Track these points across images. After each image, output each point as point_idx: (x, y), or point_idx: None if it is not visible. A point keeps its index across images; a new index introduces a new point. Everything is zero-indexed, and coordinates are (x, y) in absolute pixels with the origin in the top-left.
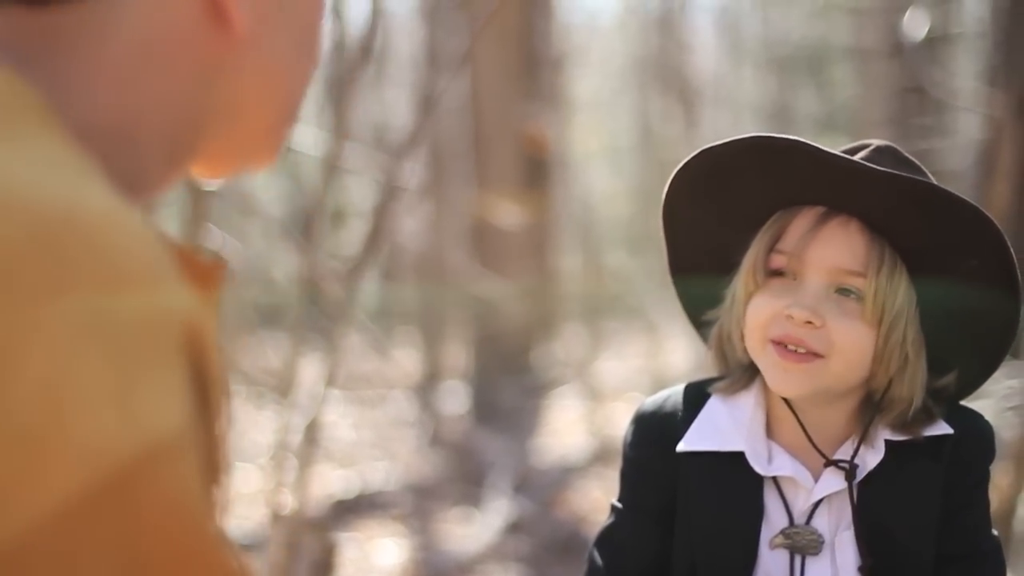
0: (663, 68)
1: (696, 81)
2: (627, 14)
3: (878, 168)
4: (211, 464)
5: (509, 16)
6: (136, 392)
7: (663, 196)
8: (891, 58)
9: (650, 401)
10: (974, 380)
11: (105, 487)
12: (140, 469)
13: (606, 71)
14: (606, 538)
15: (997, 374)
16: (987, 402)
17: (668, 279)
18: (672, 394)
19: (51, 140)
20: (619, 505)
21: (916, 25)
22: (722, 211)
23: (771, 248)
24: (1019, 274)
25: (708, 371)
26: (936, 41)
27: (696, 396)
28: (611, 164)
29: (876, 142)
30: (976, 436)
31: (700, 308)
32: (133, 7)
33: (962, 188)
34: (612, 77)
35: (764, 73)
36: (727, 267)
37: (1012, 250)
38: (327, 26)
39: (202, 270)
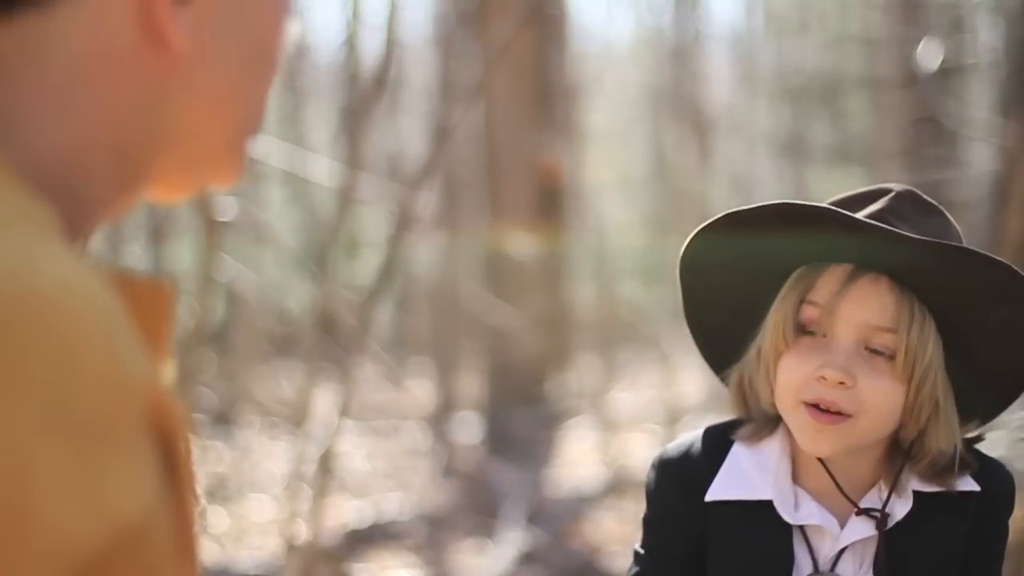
0: (677, 98)
1: (710, 111)
2: (641, 44)
3: (908, 235)
4: (183, 539)
5: (523, 46)
6: (101, 479)
7: (682, 250)
8: (905, 88)
9: (673, 447)
10: (990, 415)
11: None
12: (110, 558)
13: (620, 101)
14: None
15: (1016, 404)
16: (1001, 432)
17: (682, 313)
18: (694, 440)
19: None
20: (643, 552)
21: (930, 56)
22: (743, 265)
23: (800, 302)
24: None
25: (724, 408)
26: (950, 72)
27: (719, 442)
28: (625, 194)
29: (896, 187)
30: (1001, 492)
31: (720, 358)
32: (68, 31)
33: (975, 219)
34: (626, 107)
35: (778, 103)
36: (747, 319)
37: None
38: (288, 37)
39: (150, 298)
